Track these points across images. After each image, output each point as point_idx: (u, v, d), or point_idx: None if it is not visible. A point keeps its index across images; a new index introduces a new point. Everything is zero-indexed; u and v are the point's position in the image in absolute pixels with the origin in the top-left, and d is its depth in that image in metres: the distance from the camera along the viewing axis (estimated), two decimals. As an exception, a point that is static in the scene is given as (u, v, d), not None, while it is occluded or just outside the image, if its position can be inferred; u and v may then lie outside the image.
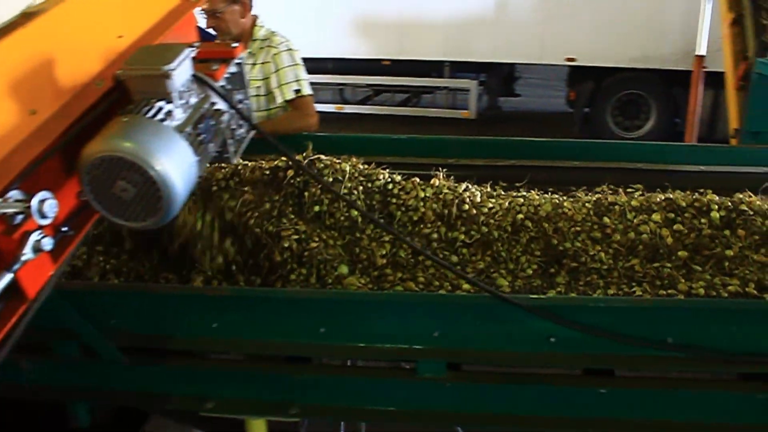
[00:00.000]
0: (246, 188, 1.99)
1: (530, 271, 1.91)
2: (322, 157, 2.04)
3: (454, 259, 1.96)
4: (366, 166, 2.09)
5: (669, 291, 1.82)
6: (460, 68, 10.08)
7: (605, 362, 1.66)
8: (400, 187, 2.05)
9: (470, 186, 2.09)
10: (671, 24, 8.53)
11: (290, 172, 1.99)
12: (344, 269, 1.87)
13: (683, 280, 1.86)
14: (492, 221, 1.97)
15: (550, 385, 1.71)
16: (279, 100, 3.19)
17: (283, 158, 2.03)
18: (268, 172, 2.04)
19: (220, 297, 1.79)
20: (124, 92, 1.26)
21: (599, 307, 1.64)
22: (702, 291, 1.82)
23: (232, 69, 1.49)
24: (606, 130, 9.35)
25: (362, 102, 10.62)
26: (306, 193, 1.97)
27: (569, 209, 1.99)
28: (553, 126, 10.55)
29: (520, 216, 1.97)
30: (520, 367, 1.71)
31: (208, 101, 1.36)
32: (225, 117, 1.43)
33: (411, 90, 10.39)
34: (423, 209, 1.99)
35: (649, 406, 1.66)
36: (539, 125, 10.89)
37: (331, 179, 1.98)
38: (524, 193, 2.10)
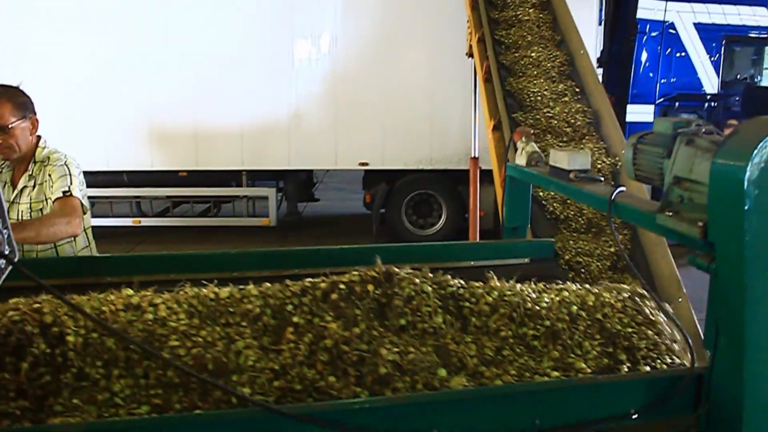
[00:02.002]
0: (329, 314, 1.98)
1: (594, 353, 2.07)
2: (397, 270, 2.06)
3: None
4: (433, 275, 2.14)
5: None
6: (258, 176, 10.19)
7: None
8: (470, 292, 2.13)
9: (521, 285, 2.22)
10: (451, 128, 9.41)
11: (370, 287, 2.01)
12: (443, 372, 1.89)
13: None
14: (552, 314, 2.12)
15: None
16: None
17: (356, 272, 2.04)
18: (343, 287, 2.01)
19: None
20: None
21: (364, 408, 1.63)
22: None
23: None
24: (402, 229, 9.86)
25: (161, 214, 10.20)
26: (389, 306, 2.00)
27: (607, 297, 2.22)
28: (352, 228, 10.89)
29: (574, 307, 2.16)
30: None
31: None
32: None
33: (210, 200, 10.22)
34: (496, 318, 2.10)
35: None
36: (339, 228, 11.21)
37: (413, 293, 2.03)
38: (564, 286, 2.28)
